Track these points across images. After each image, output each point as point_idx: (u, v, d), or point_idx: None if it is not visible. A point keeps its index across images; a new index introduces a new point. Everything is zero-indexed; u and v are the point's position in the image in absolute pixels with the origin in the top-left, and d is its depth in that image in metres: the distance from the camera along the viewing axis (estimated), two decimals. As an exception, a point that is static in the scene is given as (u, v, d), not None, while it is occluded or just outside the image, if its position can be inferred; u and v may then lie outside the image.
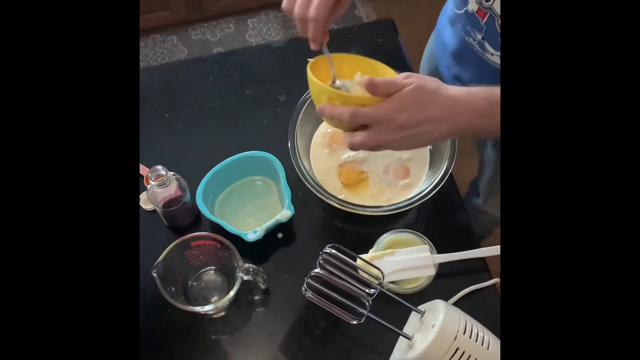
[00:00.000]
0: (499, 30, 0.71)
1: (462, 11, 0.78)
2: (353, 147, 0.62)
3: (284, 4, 0.64)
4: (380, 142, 0.60)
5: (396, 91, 0.59)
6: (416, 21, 0.98)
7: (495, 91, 0.59)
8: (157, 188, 0.72)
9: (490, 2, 0.71)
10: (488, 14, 0.72)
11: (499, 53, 0.74)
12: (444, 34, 0.89)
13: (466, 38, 0.79)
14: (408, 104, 0.58)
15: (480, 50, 0.77)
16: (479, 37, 0.75)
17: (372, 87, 0.58)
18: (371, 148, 0.61)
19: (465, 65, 0.84)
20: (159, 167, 0.71)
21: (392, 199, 0.80)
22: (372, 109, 0.59)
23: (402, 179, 0.83)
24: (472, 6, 0.75)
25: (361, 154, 0.84)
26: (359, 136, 0.60)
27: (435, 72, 0.96)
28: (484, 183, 1.13)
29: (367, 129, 0.60)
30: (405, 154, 0.85)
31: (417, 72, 1.05)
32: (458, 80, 0.88)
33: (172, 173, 0.73)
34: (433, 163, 0.84)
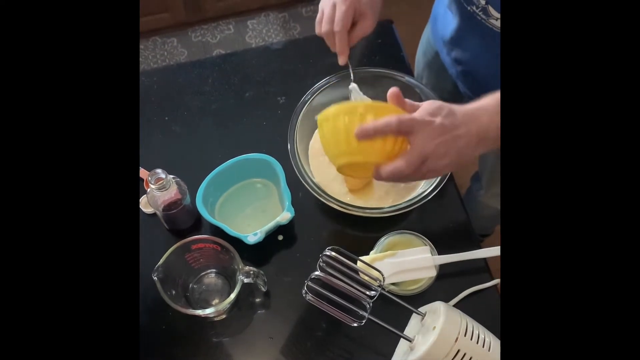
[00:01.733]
0: None
1: None
2: (399, 175, 0.60)
3: (318, 29, 0.73)
4: (425, 152, 0.59)
5: (418, 107, 0.62)
6: (416, 21, 0.98)
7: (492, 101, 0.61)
8: (157, 191, 0.72)
9: None
10: None
11: None
12: (442, 20, 0.89)
13: (468, 8, 0.78)
14: (437, 109, 0.60)
15: (484, 17, 0.76)
16: (483, 2, 0.75)
17: (396, 98, 0.63)
18: (417, 167, 0.60)
19: (468, 42, 0.84)
20: (159, 170, 0.71)
21: (397, 200, 0.80)
22: (413, 115, 0.60)
23: None
24: None
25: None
26: (401, 160, 0.60)
27: (432, 62, 0.97)
28: (485, 172, 1.13)
29: (403, 155, 0.60)
30: None
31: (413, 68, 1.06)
32: (459, 64, 0.88)
33: (172, 176, 0.73)
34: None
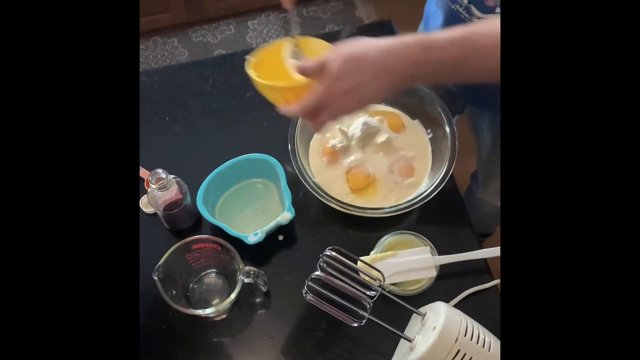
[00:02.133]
0: None
1: None
2: (319, 130, 0.64)
3: None
4: (333, 113, 0.62)
5: (327, 69, 0.60)
6: (417, 21, 0.98)
7: (427, 37, 0.59)
8: (158, 191, 0.72)
9: None
10: None
11: (486, 16, 0.74)
12: (433, 18, 0.89)
13: (453, 7, 0.79)
14: (343, 73, 0.59)
15: (467, 16, 0.77)
16: (465, 1, 0.76)
17: (303, 72, 0.62)
18: (332, 120, 0.63)
19: None
20: (159, 170, 0.71)
21: (400, 198, 0.80)
22: (312, 93, 0.61)
23: (408, 177, 0.83)
24: None
25: (360, 156, 0.84)
26: (316, 120, 0.63)
27: None
28: (482, 169, 1.14)
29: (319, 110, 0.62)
30: (408, 153, 0.85)
31: None
32: None
33: (172, 176, 0.73)
34: (434, 164, 0.84)
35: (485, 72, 0.59)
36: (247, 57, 0.71)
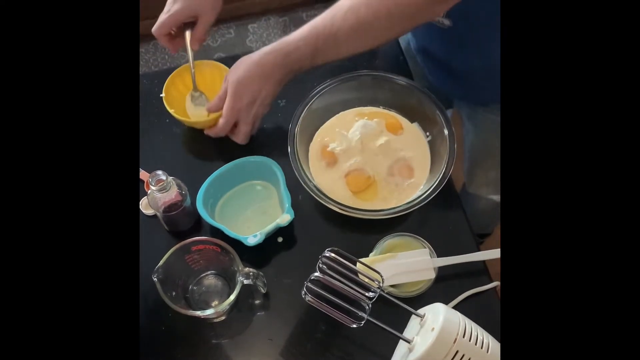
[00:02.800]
0: None
1: None
2: (244, 140, 0.85)
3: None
4: (248, 122, 0.82)
5: (227, 96, 0.81)
6: (415, 25, 0.99)
7: (283, 44, 0.77)
8: (158, 193, 0.72)
9: None
10: None
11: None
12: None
13: None
14: (238, 93, 0.80)
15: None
16: None
17: (213, 110, 0.83)
18: (249, 128, 0.84)
19: (421, 35, 0.94)
20: (159, 172, 0.71)
21: (402, 200, 0.80)
22: (224, 115, 0.81)
23: (408, 178, 0.83)
24: None
25: (359, 159, 0.84)
26: (237, 133, 0.84)
27: (407, 49, 1.01)
28: (466, 160, 1.15)
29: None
30: (408, 154, 0.85)
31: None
32: (414, 37, 0.98)
33: (172, 178, 0.74)
34: (433, 166, 0.84)
35: (340, 50, 0.76)
36: (161, 95, 0.86)
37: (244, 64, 0.79)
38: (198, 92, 0.90)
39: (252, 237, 0.74)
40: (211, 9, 0.85)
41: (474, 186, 1.20)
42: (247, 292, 0.76)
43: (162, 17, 0.85)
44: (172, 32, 0.87)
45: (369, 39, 0.75)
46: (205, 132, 0.85)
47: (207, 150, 0.88)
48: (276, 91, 0.80)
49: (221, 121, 0.81)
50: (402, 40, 1.02)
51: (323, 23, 0.74)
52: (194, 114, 0.90)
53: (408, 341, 0.65)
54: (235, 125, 0.83)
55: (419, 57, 0.97)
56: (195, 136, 0.89)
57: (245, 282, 0.69)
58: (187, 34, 0.87)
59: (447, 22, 0.81)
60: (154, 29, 0.85)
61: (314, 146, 0.86)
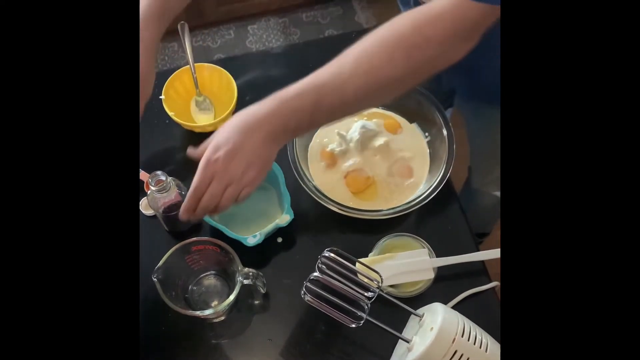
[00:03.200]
0: None
1: None
2: (219, 210, 0.67)
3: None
4: (223, 181, 0.64)
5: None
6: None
7: (281, 92, 0.63)
8: (157, 193, 0.72)
9: None
10: None
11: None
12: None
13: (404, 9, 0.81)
14: (216, 143, 0.65)
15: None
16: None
17: (194, 157, 0.68)
18: (223, 188, 0.65)
19: None
20: (159, 172, 0.72)
21: (402, 200, 0.80)
22: (197, 173, 0.65)
23: (408, 178, 0.83)
24: None
25: (358, 159, 0.84)
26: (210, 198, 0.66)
27: None
28: (475, 158, 1.15)
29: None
30: (407, 154, 0.85)
31: None
32: None
33: (171, 178, 0.74)
34: (432, 166, 0.84)
35: (347, 104, 0.63)
36: (161, 97, 0.85)
37: (237, 115, 0.65)
38: (202, 96, 0.90)
39: (252, 238, 0.75)
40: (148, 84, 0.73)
41: (479, 182, 1.20)
42: (247, 292, 0.76)
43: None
44: None
45: (383, 91, 0.63)
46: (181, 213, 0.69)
47: (206, 151, 0.89)
48: (265, 151, 0.64)
49: (192, 183, 0.65)
50: None
51: (328, 71, 0.62)
52: (199, 119, 0.90)
53: (407, 341, 0.65)
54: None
55: None
56: (195, 137, 0.90)
57: (245, 282, 0.70)
58: (187, 39, 0.87)
59: None
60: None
61: (313, 147, 0.87)
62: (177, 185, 0.75)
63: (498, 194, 1.20)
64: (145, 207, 0.83)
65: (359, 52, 0.61)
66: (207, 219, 0.76)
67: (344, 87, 0.61)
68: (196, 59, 0.88)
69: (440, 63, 0.62)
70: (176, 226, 0.80)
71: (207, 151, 0.64)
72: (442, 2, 0.59)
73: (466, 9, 0.57)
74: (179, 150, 0.90)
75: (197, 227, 0.81)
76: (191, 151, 0.68)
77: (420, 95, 0.85)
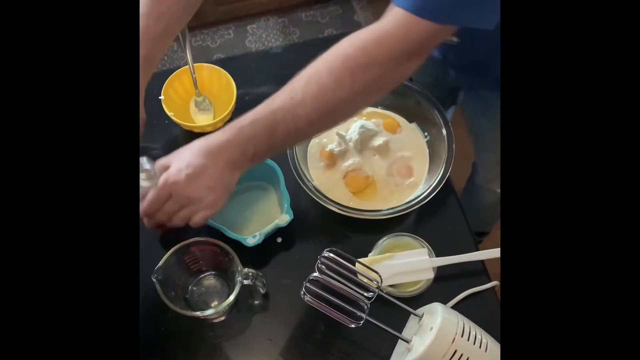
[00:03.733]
0: None
1: None
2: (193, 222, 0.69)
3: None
4: (179, 200, 0.67)
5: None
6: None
7: (237, 121, 0.65)
8: (144, 183, 0.68)
9: None
10: None
11: None
12: None
13: None
14: (176, 161, 0.66)
15: None
16: None
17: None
18: (185, 212, 0.68)
19: None
20: (144, 159, 0.67)
21: (402, 200, 0.80)
22: (160, 179, 0.67)
23: (408, 177, 0.84)
24: None
25: (358, 159, 0.84)
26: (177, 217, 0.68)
27: None
28: (481, 154, 1.15)
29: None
30: (406, 154, 0.85)
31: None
32: None
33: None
34: (431, 166, 0.84)
35: (300, 127, 0.64)
36: (160, 97, 0.85)
37: (196, 141, 0.67)
38: (201, 96, 0.90)
39: (252, 238, 0.75)
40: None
41: (483, 179, 1.20)
42: (247, 292, 0.76)
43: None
44: None
45: (334, 113, 0.64)
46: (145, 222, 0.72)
47: (206, 151, 0.89)
48: (226, 176, 0.66)
49: (148, 197, 0.68)
50: None
51: (281, 96, 0.64)
52: (198, 119, 0.90)
53: (407, 341, 0.65)
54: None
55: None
56: (194, 137, 0.89)
57: (245, 282, 0.70)
58: (186, 39, 0.87)
59: (455, 39, 0.77)
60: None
61: (313, 147, 0.87)
62: None
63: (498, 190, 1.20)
64: (144, 207, 0.82)
65: (309, 75, 0.63)
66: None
67: (296, 112, 0.62)
68: (195, 59, 0.88)
69: (387, 82, 0.63)
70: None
71: (169, 172, 0.66)
72: (388, 22, 0.60)
73: (411, 28, 0.58)
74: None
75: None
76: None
77: (420, 94, 0.85)
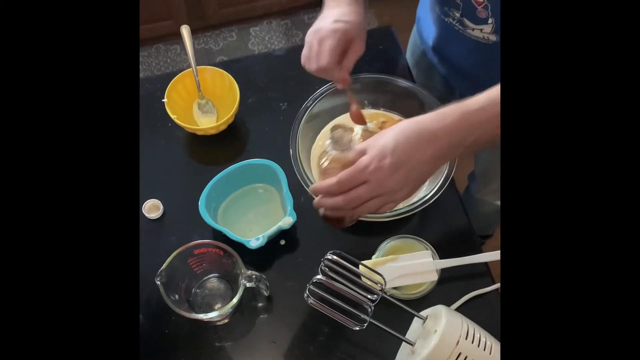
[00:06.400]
0: (475, 5, 0.72)
1: None
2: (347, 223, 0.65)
3: (307, 66, 0.72)
4: (379, 189, 0.59)
5: (370, 148, 0.60)
6: (417, 28, 1.00)
7: (462, 105, 0.59)
8: (333, 151, 0.64)
9: None
10: None
11: (480, 27, 0.75)
12: (424, 22, 0.91)
13: (445, 19, 0.80)
14: (381, 152, 0.59)
15: (461, 27, 0.78)
16: (457, 15, 0.76)
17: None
18: (375, 203, 0.61)
19: (450, 48, 0.86)
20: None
21: (406, 202, 0.80)
22: (354, 168, 0.59)
23: None
24: None
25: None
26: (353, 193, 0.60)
27: (420, 61, 0.98)
28: (481, 170, 1.14)
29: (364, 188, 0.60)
30: None
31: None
32: (446, 64, 0.90)
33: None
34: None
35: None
36: (164, 100, 0.85)
37: (405, 123, 0.61)
38: (204, 99, 0.90)
39: (255, 240, 0.75)
40: (363, 37, 0.72)
41: (481, 192, 1.20)
42: (250, 295, 0.76)
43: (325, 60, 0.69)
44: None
45: None
46: (311, 189, 0.66)
47: (209, 153, 0.89)
48: (431, 168, 0.60)
49: (339, 176, 0.60)
50: (415, 47, 1.00)
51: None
52: (201, 121, 0.90)
53: (411, 343, 0.65)
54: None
55: (442, 67, 0.92)
56: (197, 140, 0.90)
57: (248, 285, 0.70)
58: (189, 42, 0.87)
59: (493, 37, 0.75)
60: (327, 64, 0.69)
61: (316, 149, 0.86)
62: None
63: (498, 203, 1.20)
64: (148, 210, 0.83)
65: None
66: (209, 221, 0.76)
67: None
68: (198, 62, 0.88)
69: None
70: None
71: (372, 154, 0.59)
72: None
73: None
74: (182, 152, 0.90)
75: (200, 231, 0.81)
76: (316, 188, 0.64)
77: (423, 95, 0.85)
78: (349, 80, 0.74)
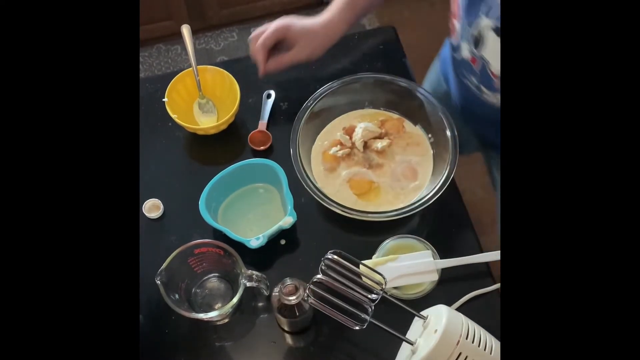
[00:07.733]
0: (493, 78, 0.73)
1: (457, 55, 0.79)
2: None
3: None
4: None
5: None
6: (418, 27, 0.99)
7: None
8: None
9: (480, 51, 0.72)
10: (480, 62, 0.73)
11: (495, 95, 0.76)
12: (447, 68, 0.91)
13: (464, 80, 0.81)
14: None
15: (478, 92, 0.79)
16: (475, 81, 0.77)
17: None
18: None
19: (471, 113, 0.87)
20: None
21: (406, 202, 0.80)
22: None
23: (412, 180, 0.83)
24: (465, 53, 0.76)
25: (361, 161, 0.84)
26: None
27: (444, 97, 0.96)
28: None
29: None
30: (410, 156, 0.85)
31: (422, 80, 1.06)
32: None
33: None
34: (436, 168, 0.84)
35: None
36: (164, 100, 0.86)
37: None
38: (205, 98, 0.91)
39: (255, 240, 0.75)
40: (307, 46, 0.85)
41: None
42: (250, 294, 0.76)
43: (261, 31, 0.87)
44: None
45: None
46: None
47: (209, 153, 0.89)
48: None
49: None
50: (438, 84, 0.99)
51: None
52: (202, 121, 0.90)
53: (411, 343, 0.65)
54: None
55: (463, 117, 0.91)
56: (198, 140, 0.90)
57: (248, 284, 0.69)
58: (190, 42, 0.87)
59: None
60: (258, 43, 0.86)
61: (316, 149, 0.86)
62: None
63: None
64: (148, 210, 0.83)
65: None
66: (209, 221, 0.76)
67: None
68: (199, 62, 0.88)
69: None
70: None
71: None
72: None
73: None
74: (183, 152, 0.90)
75: (200, 230, 0.81)
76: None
77: (423, 95, 0.85)
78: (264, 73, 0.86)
